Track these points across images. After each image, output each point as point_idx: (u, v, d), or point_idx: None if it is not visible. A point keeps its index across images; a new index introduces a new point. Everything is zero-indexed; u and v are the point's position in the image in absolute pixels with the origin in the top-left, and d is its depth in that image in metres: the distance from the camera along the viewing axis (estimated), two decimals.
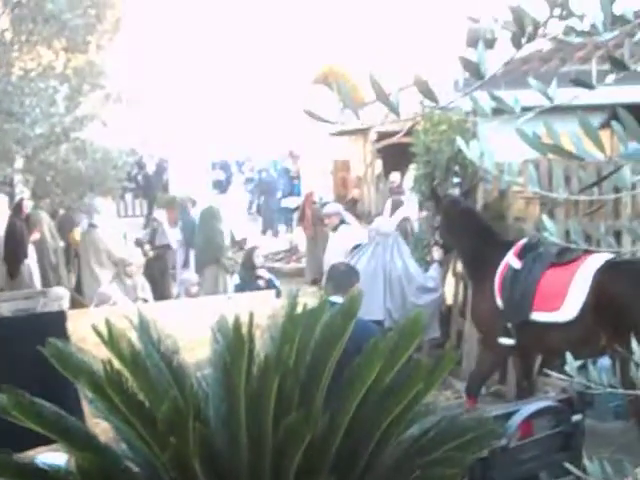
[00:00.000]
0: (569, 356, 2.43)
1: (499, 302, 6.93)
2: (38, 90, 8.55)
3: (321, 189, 23.08)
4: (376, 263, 8.14)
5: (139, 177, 24.34)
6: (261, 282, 9.71)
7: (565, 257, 6.62)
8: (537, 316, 6.66)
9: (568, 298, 6.41)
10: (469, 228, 7.41)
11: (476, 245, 7.33)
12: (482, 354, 7.50)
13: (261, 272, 9.93)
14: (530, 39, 2.04)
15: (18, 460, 3.34)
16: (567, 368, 2.44)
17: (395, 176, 14.24)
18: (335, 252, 9.35)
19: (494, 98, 2.19)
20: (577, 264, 6.49)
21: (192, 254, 13.30)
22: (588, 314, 6.28)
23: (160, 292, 11.42)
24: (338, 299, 4.90)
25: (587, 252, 6.49)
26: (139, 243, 12.82)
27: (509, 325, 6.80)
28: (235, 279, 10.24)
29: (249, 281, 9.67)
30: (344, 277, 5.72)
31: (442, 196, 7.92)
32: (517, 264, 6.87)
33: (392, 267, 8.16)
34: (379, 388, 3.43)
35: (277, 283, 10.03)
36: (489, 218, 8.52)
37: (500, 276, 6.97)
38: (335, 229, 10.20)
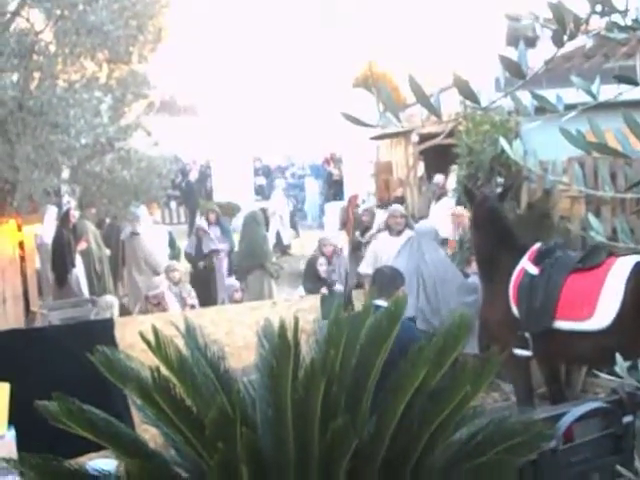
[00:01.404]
0: (618, 357, 2.39)
1: (515, 310, 6.60)
2: (82, 101, 8.66)
3: (364, 192, 23.09)
4: (412, 262, 8.05)
5: (183, 184, 24.54)
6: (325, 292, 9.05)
7: (588, 262, 6.29)
8: (562, 325, 6.30)
9: (600, 305, 6.06)
10: (489, 227, 7.04)
11: (492, 246, 6.97)
12: (508, 371, 7.07)
13: (324, 290, 9.17)
14: (572, 36, 2.02)
15: (69, 466, 3.38)
16: (617, 369, 2.41)
17: (439, 178, 14.11)
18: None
19: (536, 97, 2.17)
20: (604, 269, 6.14)
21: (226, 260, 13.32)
22: (626, 320, 6.01)
23: (207, 298, 11.50)
24: (383, 303, 4.88)
25: (610, 256, 6.25)
26: (188, 257, 12.89)
27: (526, 335, 6.47)
28: (300, 291, 9.60)
29: (316, 292, 8.93)
30: (389, 280, 5.70)
31: (477, 194, 7.65)
32: (534, 270, 6.52)
33: (425, 266, 8.04)
34: (425, 391, 3.41)
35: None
36: (534, 217, 8.41)
37: (515, 283, 6.62)
38: (400, 232, 9.49)
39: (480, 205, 7.24)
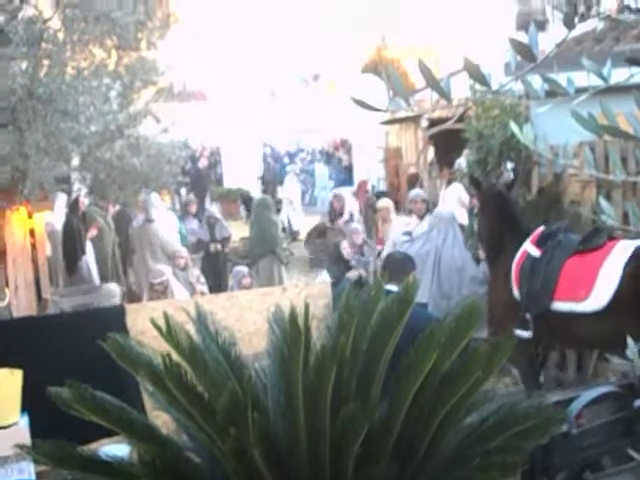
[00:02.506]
0: (630, 340, 2.38)
1: (516, 292, 6.65)
2: (91, 88, 8.66)
3: (374, 178, 23.04)
4: (429, 246, 8.05)
5: (192, 171, 24.53)
6: (352, 276, 9.10)
7: (588, 244, 6.38)
8: (560, 306, 6.32)
9: (597, 287, 6.07)
10: (495, 213, 7.15)
11: (497, 231, 7.09)
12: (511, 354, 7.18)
13: (351, 274, 9.25)
14: (583, 18, 2.00)
15: (82, 452, 3.41)
16: (628, 353, 2.40)
17: (461, 162, 14.04)
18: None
19: (547, 80, 2.15)
20: (604, 251, 6.17)
21: None
22: (622, 303, 6.03)
23: (217, 285, 11.52)
24: (394, 287, 4.88)
25: (611, 239, 6.30)
26: (201, 244, 12.86)
27: (527, 316, 6.50)
28: (324, 276, 9.50)
29: (341, 277, 8.88)
30: (400, 265, 5.71)
31: (481, 181, 7.71)
32: (536, 252, 6.59)
33: (443, 252, 8.04)
34: (436, 376, 3.41)
35: (367, 279, 9.49)
36: (544, 202, 8.39)
37: (517, 265, 6.69)
38: (422, 217, 9.22)
39: (487, 192, 7.35)
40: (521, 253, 6.72)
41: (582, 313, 6.18)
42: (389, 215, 11.46)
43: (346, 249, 9.55)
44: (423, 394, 3.38)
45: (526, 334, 6.54)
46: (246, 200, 22.50)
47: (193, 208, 13.89)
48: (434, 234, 8.20)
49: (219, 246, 12.68)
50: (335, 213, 12.85)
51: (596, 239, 6.31)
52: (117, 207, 13.82)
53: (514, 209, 7.30)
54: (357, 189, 16.68)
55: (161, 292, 8.70)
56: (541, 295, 6.44)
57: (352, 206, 13.60)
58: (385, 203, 12.14)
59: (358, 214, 13.07)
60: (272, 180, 22.78)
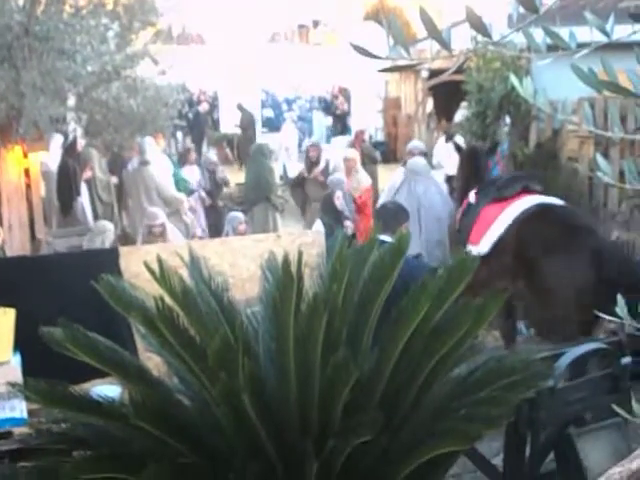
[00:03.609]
0: (619, 297, 2.39)
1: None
2: (89, 28, 8.55)
3: (372, 127, 22.89)
4: (412, 199, 8.12)
5: (190, 115, 24.26)
6: (348, 229, 9.10)
7: (504, 193, 6.69)
8: (470, 249, 6.75)
9: (487, 234, 6.55)
10: (466, 167, 7.71)
11: (465, 183, 7.61)
12: None
13: (347, 223, 9.28)
14: None
15: (74, 392, 3.43)
16: (617, 310, 2.41)
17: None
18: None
19: (549, 33, 2.13)
20: (509, 202, 6.56)
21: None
22: (501, 253, 6.35)
23: (214, 230, 11.53)
24: (387, 238, 4.89)
25: (527, 192, 6.56)
26: (204, 190, 12.81)
27: None
28: (318, 225, 9.40)
29: (336, 227, 8.26)
30: (393, 216, 5.72)
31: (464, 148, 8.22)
32: (473, 199, 7.07)
33: (425, 202, 8.19)
34: (427, 327, 3.43)
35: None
36: (542, 158, 8.44)
37: (461, 211, 7.33)
38: None
39: (465, 150, 8.04)
40: (465, 201, 7.28)
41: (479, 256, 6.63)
42: (355, 166, 11.40)
43: (339, 199, 9.53)
44: (413, 345, 3.40)
45: None
46: (231, 144, 22.44)
47: (193, 156, 13.79)
48: (413, 185, 8.33)
49: (230, 189, 12.73)
50: (311, 162, 12.75)
51: (507, 189, 6.65)
52: (115, 149, 13.70)
53: (485, 166, 7.79)
54: (354, 138, 16.54)
55: (159, 235, 8.67)
56: (463, 238, 7.03)
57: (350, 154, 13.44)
58: (351, 154, 11.96)
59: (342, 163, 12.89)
60: (247, 127, 22.55)
